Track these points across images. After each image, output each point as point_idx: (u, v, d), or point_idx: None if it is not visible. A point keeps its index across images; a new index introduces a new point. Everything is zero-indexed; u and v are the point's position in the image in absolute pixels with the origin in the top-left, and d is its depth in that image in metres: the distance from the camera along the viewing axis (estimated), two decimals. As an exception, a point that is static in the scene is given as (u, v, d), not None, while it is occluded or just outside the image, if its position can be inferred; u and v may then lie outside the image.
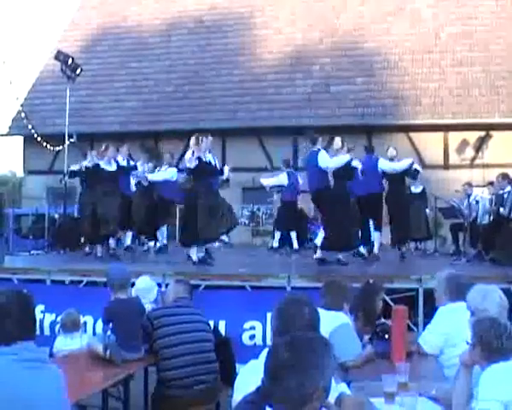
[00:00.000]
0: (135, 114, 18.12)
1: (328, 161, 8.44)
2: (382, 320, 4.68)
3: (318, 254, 8.66)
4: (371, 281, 4.87)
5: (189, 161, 8.39)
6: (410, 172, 10.34)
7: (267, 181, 11.91)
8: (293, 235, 11.52)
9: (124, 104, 18.53)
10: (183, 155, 17.26)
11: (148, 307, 5.32)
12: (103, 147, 9.60)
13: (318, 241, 8.86)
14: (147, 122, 17.75)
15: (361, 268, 8.43)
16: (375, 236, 9.67)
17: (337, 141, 9.16)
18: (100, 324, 6.66)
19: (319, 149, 8.64)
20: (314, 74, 18.12)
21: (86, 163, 10.29)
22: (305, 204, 12.32)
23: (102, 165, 9.37)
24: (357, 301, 4.47)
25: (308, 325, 2.55)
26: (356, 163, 9.19)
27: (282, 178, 11.68)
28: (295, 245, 11.55)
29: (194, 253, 8.53)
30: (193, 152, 8.47)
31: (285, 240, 11.89)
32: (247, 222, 16.94)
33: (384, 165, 9.66)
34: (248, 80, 18.38)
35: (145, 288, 5.64)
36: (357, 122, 16.56)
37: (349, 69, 17.88)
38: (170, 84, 18.94)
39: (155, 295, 5.72)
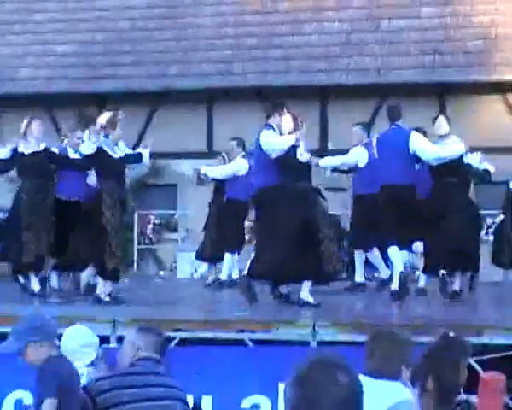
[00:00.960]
0: (67, 66, 18.17)
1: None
2: (464, 397, 4.69)
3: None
4: (451, 333, 4.86)
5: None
6: (478, 172, 10.36)
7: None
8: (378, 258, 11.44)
9: (49, 49, 18.58)
10: (143, 131, 17.59)
11: (84, 372, 5.33)
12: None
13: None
14: (87, 78, 17.79)
15: (426, 311, 8.46)
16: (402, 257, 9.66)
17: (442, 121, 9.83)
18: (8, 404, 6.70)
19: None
20: (354, 3, 18.17)
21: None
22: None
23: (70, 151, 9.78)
24: (425, 364, 4.47)
25: (345, 402, 2.56)
26: None
27: None
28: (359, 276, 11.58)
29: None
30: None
31: None
32: (246, 238, 16.92)
33: (420, 145, 9.64)
34: (250, 12, 18.43)
35: (80, 345, 5.65)
36: (423, 78, 16.57)
37: (411, -7, 17.92)
38: (124, 16, 18.99)
39: (94, 355, 5.74)
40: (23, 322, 4.91)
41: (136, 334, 4.92)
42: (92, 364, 5.69)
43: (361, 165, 10.86)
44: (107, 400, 4.50)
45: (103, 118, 9.50)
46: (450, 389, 4.53)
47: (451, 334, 4.85)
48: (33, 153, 9.86)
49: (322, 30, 17.77)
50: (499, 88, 16.62)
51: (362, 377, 4.04)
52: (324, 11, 18.11)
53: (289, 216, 8.78)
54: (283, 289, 9.25)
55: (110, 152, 9.45)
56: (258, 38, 17.90)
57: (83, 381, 4.95)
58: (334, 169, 11.57)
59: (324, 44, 17.46)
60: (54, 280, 10.22)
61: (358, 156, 10.97)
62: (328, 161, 11.09)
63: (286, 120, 9.45)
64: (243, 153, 12.23)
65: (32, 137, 9.94)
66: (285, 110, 9.45)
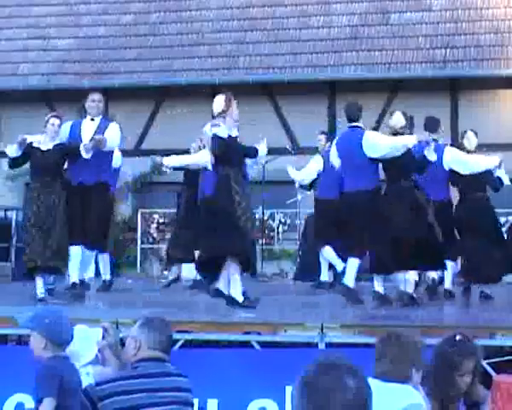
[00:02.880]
0: (69, 61, 18.20)
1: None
2: (476, 401, 4.68)
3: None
4: (458, 336, 4.84)
5: None
6: (491, 179, 10.33)
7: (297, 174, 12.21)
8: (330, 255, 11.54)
9: (50, 43, 18.62)
10: (147, 127, 17.60)
11: (90, 371, 5.34)
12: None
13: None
14: (89, 73, 17.81)
15: (437, 313, 8.46)
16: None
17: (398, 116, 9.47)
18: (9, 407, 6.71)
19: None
20: (364, -6, 18.16)
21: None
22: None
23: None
24: (432, 369, 4.47)
25: (353, 405, 2.56)
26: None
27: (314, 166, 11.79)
28: (324, 275, 11.70)
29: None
30: None
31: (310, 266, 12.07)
32: (253, 237, 16.96)
33: (453, 158, 9.78)
34: (256, 4, 18.44)
35: (84, 344, 5.66)
36: (434, 72, 16.57)
37: (421, -14, 17.89)
38: (128, 10, 19.01)
39: (96, 348, 5.74)
40: (44, 313, 4.98)
41: (138, 330, 4.78)
42: (96, 360, 5.69)
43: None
44: (109, 406, 4.45)
45: None
46: (455, 395, 4.54)
47: (458, 336, 4.84)
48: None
49: (330, 23, 17.77)
50: (512, 82, 16.61)
51: (371, 381, 4.04)
52: (332, 4, 18.11)
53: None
54: None
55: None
56: (264, 32, 17.91)
57: (90, 381, 4.92)
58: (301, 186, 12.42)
59: (332, 38, 17.45)
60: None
61: (315, 168, 11.81)
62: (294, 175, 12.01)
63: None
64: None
65: (47, 135, 9.98)
66: None
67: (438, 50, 16.84)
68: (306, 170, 11.97)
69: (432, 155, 9.32)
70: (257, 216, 16.71)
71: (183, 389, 4.69)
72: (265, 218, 16.49)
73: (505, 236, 13.61)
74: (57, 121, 9.93)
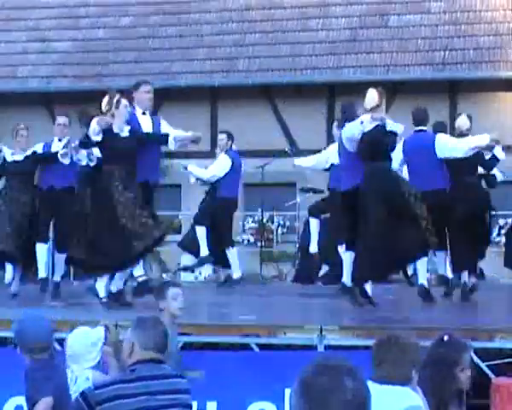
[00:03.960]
0: (68, 63, 18.20)
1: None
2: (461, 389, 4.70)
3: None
4: (445, 337, 4.88)
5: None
6: (484, 160, 10.31)
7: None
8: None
9: (50, 46, 18.62)
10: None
11: (90, 375, 5.34)
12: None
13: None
14: (89, 76, 17.82)
15: (436, 314, 8.47)
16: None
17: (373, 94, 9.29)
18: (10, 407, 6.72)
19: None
20: (363, -3, 18.17)
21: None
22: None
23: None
24: (428, 369, 4.48)
25: (352, 406, 2.57)
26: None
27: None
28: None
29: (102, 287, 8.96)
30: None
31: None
32: (252, 240, 16.95)
33: (444, 145, 9.67)
34: (255, 8, 18.43)
35: (86, 346, 5.66)
36: (433, 75, 16.58)
37: (420, -12, 17.91)
38: (126, 13, 19.01)
39: (98, 355, 5.74)
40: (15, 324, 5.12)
41: (131, 332, 4.69)
42: (98, 365, 5.69)
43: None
44: (108, 409, 4.39)
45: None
46: (447, 396, 4.55)
47: (445, 337, 4.89)
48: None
49: (329, 26, 17.78)
50: (511, 84, 16.60)
51: (370, 384, 4.06)
52: (331, 6, 18.12)
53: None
54: None
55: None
56: (263, 35, 17.92)
57: (89, 384, 4.92)
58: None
59: (331, 41, 17.46)
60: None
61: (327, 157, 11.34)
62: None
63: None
64: (228, 148, 12.08)
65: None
66: None
67: (437, 53, 16.85)
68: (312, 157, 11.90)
69: (500, 154, 10.02)
70: (256, 218, 16.78)
71: (181, 391, 4.65)
72: (264, 220, 16.49)
73: (503, 238, 13.65)
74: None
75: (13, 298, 10.16)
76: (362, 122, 8.85)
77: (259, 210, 15.81)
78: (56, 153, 10.01)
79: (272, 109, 17.52)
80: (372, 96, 9.20)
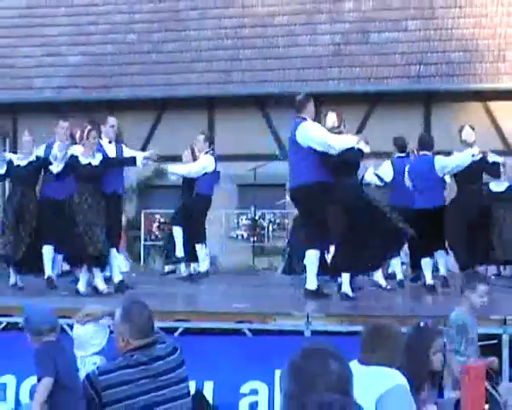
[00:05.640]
0: (79, 75, 18.16)
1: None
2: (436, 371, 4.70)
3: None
4: (422, 324, 4.89)
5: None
6: (487, 167, 10.38)
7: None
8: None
9: (62, 60, 18.57)
10: (150, 135, 17.58)
11: (97, 361, 5.30)
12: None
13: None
14: (97, 87, 17.79)
15: (415, 304, 8.47)
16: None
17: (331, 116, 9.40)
18: (26, 386, 6.69)
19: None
20: (346, 16, 18.14)
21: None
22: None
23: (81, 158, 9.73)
24: (407, 352, 4.47)
25: (335, 387, 2.55)
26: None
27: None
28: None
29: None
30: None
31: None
32: (245, 235, 16.95)
33: (443, 163, 9.81)
34: (248, 26, 18.41)
35: (91, 333, 5.63)
36: (409, 86, 16.57)
37: (397, 8, 17.89)
38: (131, 30, 18.98)
39: (103, 341, 5.71)
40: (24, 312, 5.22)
41: (121, 325, 4.47)
42: (103, 351, 5.67)
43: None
44: (112, 395, 4.31)
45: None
46: (423, 377, 4.56)
47: (422, 324, 4.90)
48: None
49: (315, 42, 17.76)
50: (480, 96, 16.63)
51: (361, 366, 4.07)
52: (317, 24, 18.10)
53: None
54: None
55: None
56: (255, 50, 17.89)
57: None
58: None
59: (317, 55, 17.44)
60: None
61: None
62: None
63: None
64: (209, 149, 11.94)
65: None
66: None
67: (413, 66, 16.84)
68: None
69: (497, 158, 10.46)
70: (249, 216, 16.79)
71: (176, 366, 4.53)
72: (257, 217, 16.51)
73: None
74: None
75: (19, 290, 10.12)
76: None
77: (252, 208, 15.84)
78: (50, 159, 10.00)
79: (264, 117, 17.51)
80: (470, 132, 9.98)
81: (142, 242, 16.92)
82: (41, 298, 8.76)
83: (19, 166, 10.17)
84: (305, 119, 8.80)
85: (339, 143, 8.62)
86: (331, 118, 9.24)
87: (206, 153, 11.75)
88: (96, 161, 9.72)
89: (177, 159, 12.40)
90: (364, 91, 16.38)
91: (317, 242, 8.71)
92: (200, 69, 17.69)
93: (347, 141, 8.77)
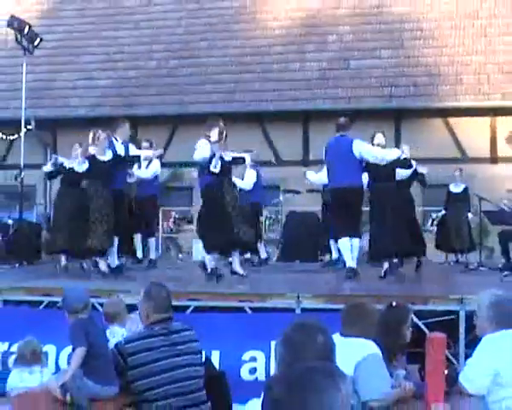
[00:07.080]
0: (108, 96, 18.16)
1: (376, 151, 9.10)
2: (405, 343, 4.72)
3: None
4: (394, 303, 4.88)
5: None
6: (416, 177, 10.14)
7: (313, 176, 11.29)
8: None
9: (94, 83, 18.57)
10: (166, 146, 17.56)
11: (125, 333, 5.31)
12: (92, 134, 9.80)
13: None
14: (123, 105, 17.78)
15: (387, 286, 8.47)
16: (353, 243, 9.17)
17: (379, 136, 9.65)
18: (64, 355, 6.70)
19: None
20: (330, 46, 18.15)
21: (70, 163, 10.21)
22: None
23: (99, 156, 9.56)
24: (383, 326, 4.47)
25: (321, 355, 2.55)
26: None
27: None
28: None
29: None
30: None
31: None
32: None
33: (362, 149, 9.07)
34: (249, 53, 18.41)
35: (117, 311, 5.66)
36: (383, 105, 16.57)
37: (373, 39, 17.90)
38: (152, 57, 18.98)
39: (125, 319, 5.73)
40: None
41: (144, 301, 4.53)
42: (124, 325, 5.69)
43: None
44: (138, 360, 4.33)
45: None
46: (395, 347, 4.56)
47: (394, 303, 4.89)
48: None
49: (304, 68, 17.78)
50: (442, 113, 16.64)
51: (341, 338, 4.07)
52: (306, 53, 18.12)
53: None
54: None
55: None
56: (255, 74, 17.91)
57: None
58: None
59: (306, 79, 17.45)
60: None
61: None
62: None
63: None
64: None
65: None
66: None
67: (385, 88, 16.85)
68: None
69: (424, 169, 10.47)
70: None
71: (192, 340, 4.59)
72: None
73: (435, 228, 13.64)
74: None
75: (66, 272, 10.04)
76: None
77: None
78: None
79: (262, 130, 17.51)
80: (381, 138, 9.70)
81: (161, 235, 16.91)
82: (79, 280, 8.75)
83: (103, 161, 9.61)
84: (348, 136, 9.28)
85: (389, 155, 9.27)
86: (379, 138, 9.61)
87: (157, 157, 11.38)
88: (106, 157, 9.66)
89: (187, 165, 12.36)
90: (345, 109, 16.35)
91: (351, 230, 9.01)
92: (209, 90, 17.69)
93: (394, 153, 9.39)
